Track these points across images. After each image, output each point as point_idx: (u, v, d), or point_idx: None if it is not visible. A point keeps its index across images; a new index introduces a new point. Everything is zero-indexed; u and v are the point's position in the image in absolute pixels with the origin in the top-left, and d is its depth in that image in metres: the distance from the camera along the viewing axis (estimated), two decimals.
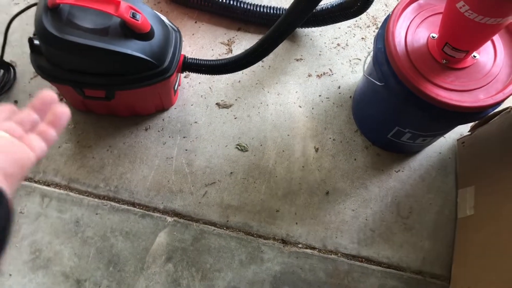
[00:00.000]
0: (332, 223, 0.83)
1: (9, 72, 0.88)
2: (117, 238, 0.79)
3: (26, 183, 0.83)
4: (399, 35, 0.68)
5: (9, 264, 0.77)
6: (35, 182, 0.83)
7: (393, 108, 0.75)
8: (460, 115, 0.67)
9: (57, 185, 0.83)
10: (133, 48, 0.67)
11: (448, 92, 0.65)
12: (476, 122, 0.83)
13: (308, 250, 0.81)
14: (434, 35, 0.68)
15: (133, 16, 0.64)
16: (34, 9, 0.71)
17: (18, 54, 0.92)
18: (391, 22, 0.67)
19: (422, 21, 0.69)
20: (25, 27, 0.94)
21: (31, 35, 0.71)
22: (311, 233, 0.82)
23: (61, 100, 0.88)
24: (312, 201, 0.84)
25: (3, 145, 0.39)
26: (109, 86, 0.72)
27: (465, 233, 0.80)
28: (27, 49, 0.89)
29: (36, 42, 0.68)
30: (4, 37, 0.79)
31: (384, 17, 0.99)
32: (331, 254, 0.81)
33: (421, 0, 0.71)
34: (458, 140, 0.89)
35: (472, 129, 0.86)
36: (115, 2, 0.63)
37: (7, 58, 0.88)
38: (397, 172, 0.87)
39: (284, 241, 0.81)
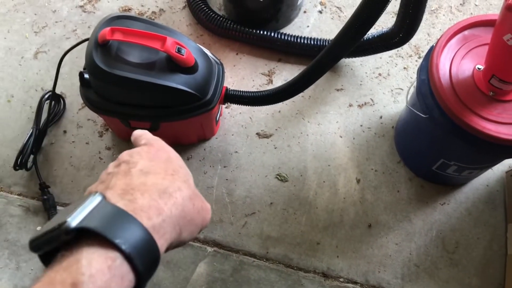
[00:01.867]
0: (374, 257, 0.81)
1: (59, 103, 0.91)
2: (158, 267, 0.80)
3: None
4: (444, 67, 0.67)
5: None
6: None
7: (437, 140, 0.73)
8: (508, 148, 0.64)
9: None
10: (178, 82, 0.69)
11: (495, 125, 0.63)
12: None
13: (350, 285, 0.79)
14: (480, 66, 0.66)
15: (179, 51, 0.66)
16: (84, 44, 0.74)
17: (68, 86, 0.96)
18: (435, 53, 0.66)
19: (467, 52, 0.68)
20: (75, 60, 0.98)
21: (81, 69, 0.74)
22: (352, 267, 0.80)
23: (106, 130, 0.91)
24: (354, 234, 0.82)
25: (195, 210, 0.37)
26: (154, 118, 0.74)
27: None
28: (76, 81, 0.94)
29: (86, 76, 0.71)
30: (56, 71, 0.82)
31: (427, 46, 0.98)
32: None
33: (466, 31, 0.70)
34: (506, 172, 0.86)
35: None
36: (161, 38, 0.65)
37: (58, 90, 0.92)
38: (442, 205, 0.84)
39: (325, 275, 0.80)
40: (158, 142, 0.42)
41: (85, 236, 0.30)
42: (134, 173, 0.35)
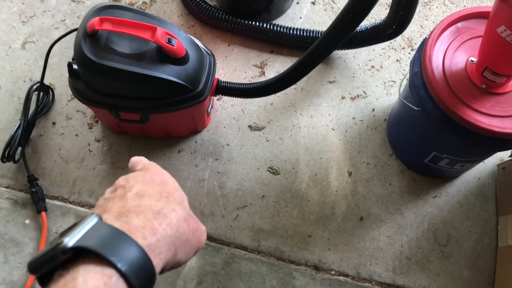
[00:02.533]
0: (366, 249, 0.81)
1: (48, 94, 0.90)
2: None
3: (62, 203, 0.84)
4: (437, 59, 0.66)
5: None
6: (70, 203, 0.85)
7: (430, 133, 0.73)
8: (500, 141, 0.64)
9: (91, 206, 0.84)
10: (168, 73, 0.68)
11: (488, 117, 0.63)
12: None
13: (341, 277, 0.79)
14: (473, 59, 0.66)
15: (169, 42, 0.65)
16: (73, 34, 0.73)
17: (57, 77, 0.94)
18: (428, 46, 0.66)
19: (460, 44, 0.68)
20: (64, 50, 0.96)
21: (70, 59, 0.73)
22: (344, 260, 0.80)
23: (96, 122, 0.90)
24: (346, 227, 0.82)
25: (190, 231, 0.38)
26: (144, 110, 0.73)
27: (506, 263, 0.77)
28: (65, 72, 0.92)
29: (75, 67, 0.70)
30: (45, 61, 0.81)
31: (420, 39, 0.97)
32: (365, 282, 0.79)
33: (459, 23, 0.69)
34: (498, 165, 0.86)
35: None
36: (151, 28, 0.64)
37: (46, 81, 0.90)
38: (434, 197, 0.84)
39: (316, 267, 0.80)
40: (154, 167, 0.43)
41: (82, 255, 0.30)
42: (129, 196, 0.37)
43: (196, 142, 0.89)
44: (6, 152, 0.82)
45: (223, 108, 0.92)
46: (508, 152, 0.85)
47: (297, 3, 1.02)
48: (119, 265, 0.30)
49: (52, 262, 0.31)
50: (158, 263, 0.33)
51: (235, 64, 0.96)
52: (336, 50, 0.96)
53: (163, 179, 0.41)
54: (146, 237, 0.33)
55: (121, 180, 0.40)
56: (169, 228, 0.35)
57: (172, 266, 0.37)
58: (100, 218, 0.34)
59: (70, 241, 0.30)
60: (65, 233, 0.32)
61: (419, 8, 1.01)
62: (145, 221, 0.34)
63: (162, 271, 0.35)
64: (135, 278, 0.30)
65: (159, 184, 0.39)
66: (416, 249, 0.81)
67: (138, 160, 0.45)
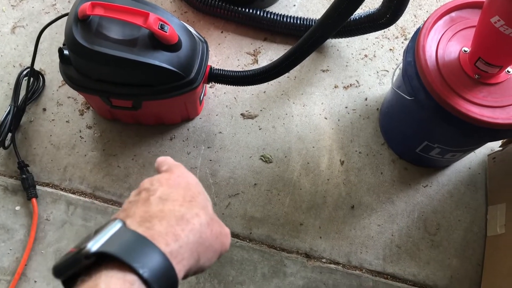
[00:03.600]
0: (357, 238, 0.81)
1: (38, 80, 0.89)
2: None
3: (53, 190, 0.84)
4: (430, 49, 0.66)
5: (34, 270, 0.78)
6: (61, 189, 0.84)
7: (422, 122, 0.73)
8: (492, 131, 0.65)
9: (82, 193, 0.84)
10: (161, 59, 0.67)
11: (480, 108, 0.63)
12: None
13: (332, 265, 0.80)
14: (466, 49, 0.66)
15: (161, 28, 0.65)
16: (64, 19, 0.72)
17: (47, 62, 0.93)
18: (422, 35, 0.66)
19: (454, 34, 0.68)
20: (55, 36, 0.95)
21: (61, 45, 0.72)
22: (335, 248, 0.81)
23: (88, 108, 0.89)
24: (337, 215, 0.83)
25: (213, 236, 0.37)
26: (136, 97, 0.73)
27: (495, 252, 0.78)
28: (56, 58, 0.91)
29: (66, 52, 0.69)
30: (35, 46, 0.80)
31: (413, 28, 0.97)
32: (355, 270, 0.79)
33: (453, 13, 0.69)
34: (488, 155, 0.87)
35: (504, 145, 0.83)
36: (144, 13, 0.63)
37: (36, 66, 0.89)
38: (424, 187, 0.85)
39: (307, 255, 0.80)
40: (179, 169, 0.42)
41: (105, 261, 0.31)
42: (152, 200, 0.36)
43: (188, 129, 0.88)
44: None
45: (215, 96, 0.91)
46: (498, 143, 0.85)
47: None
48: (141, 271, 0.30)
49: (75, 267, 0.31)
50: (180, 270, 0.33)
51: (228, 52, 0.95)
52: (330, 39, 0.96)
53: (187, 181, 0.40)
54: (169, 244, 0.33)
55: (146, 183, 0.39)
56: (192, 234, 0.35)
57: (195, 271, 0.37)
58: (124, 223, 0.34)
59: (94, 246, 0.31)
60: (88, 238, 0.32)
61: None
62: (167, 227, 0.34)
63: (185, 277, 0.35)
64: (157, 284, 0.30)
65: (183, 188, 0.39)
66: (406, 238, 0.82)
67: (163, 160, 0.45)
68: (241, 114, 0.90)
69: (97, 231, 0.33)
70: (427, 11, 1.00)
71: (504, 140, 0.83)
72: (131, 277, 0.30)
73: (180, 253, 0.33)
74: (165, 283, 0.31)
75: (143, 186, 0.39)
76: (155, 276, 0.30)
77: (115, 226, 0.33)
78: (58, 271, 0.32)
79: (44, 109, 0.89)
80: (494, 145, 0.87)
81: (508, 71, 0.65)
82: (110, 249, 0.30)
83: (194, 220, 0.35)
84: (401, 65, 0.73)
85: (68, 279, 0.32)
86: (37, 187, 0.83)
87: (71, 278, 0.32)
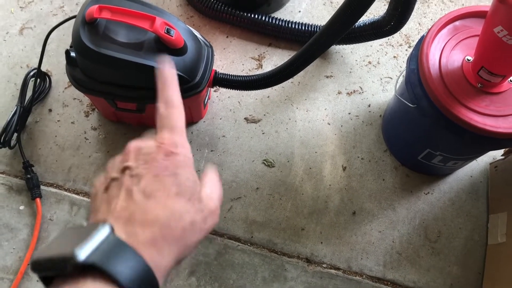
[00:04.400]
0: (358, 244, 0.82)
1: (45, 81, 0.90)
2: None
3: (57, 190, 0.84)
4: (433, 57, 0.67)
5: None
6: (65, 190, 0.85)
7: (424, 130, 0.74)
8: (494, 140, 0.65)
9: (86, 194, 0.85)
10: None
11: (482, 116, 0.63)
12: None
13: (333, 271, 0.80)
14: (470, 58, 0.66)
15: (168, 32, 0.65)
16: (71, 21, 0.73)
17: (54, 63, 0.94)
18: (426, 43, 0.66)
19: (457, 43, 0.68)
20: (62, 37, 0.96)
21: (68, 47, 0.73)
22: (336, 253, 0.81)
23: (93, 110, 0.90)
24: (338, 221, 0.83)
25: (196, 231, 0.37)
26: (141, 99, 0.73)
27: (496, 261, 0.78)
28: (62, 59, 0.92)
29: (73, 54, 0.70)
30: (42, 48, 0.81)
31: (417, 36, 0.98)
32: (356, 276, 0.80)
33: (457, 22, 0.70)
34: (490, 164, 0.87)
35: (506, 154, 0.84)
36: (150, 18, 0.64)
37: (43, 67, 0.90)
38: (426, 194, 0.85)
39: (308, 260, 0.81)
40: (172, 134, 0.39)
41: (90, 268, 0.30)
42: (135, 195, 0.35)
43: (192, 132, 0.89)
44: (2, 138, 0.82)
45: (220, 100, 0.92)
46: (500, 151, 0.86)
47: None
48: (124, 284, 0.30)
49: (59, 270, 0.30)
50: (161, 276, 0.33)
51: (233, 56, 0.96)
52: (334, 45, 0.96)
53: (176, 164, 0.37)
54: (153, 258, 0.33)
55: (131, 154, 0.37)
56: (174, 244, 0.34)
57: (176, 264, 0.37)
58: (112, 228, 0.33)
59: (82, 254, 0.30)
60: (77, 241, 0.31)
61: (417, 5, 1.01)
62: (151, 238, 0.33)
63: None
64: None
65: (170, 174, 0.37)
66: (407, 245, 0.82)
67: (165, 86, 0.41)
68: (245, 118, 0.90)
69: (85, 235, 0.32)
70: (431, 20, 1.00)
71: (506, 149, 0.83)
72: None
73: (162, 265, 0.33)
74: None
75: (127, 159, 0.37)
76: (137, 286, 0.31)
77: (103, 232, 0.32)
78: (38, 268, 0.31)
79: (50, 110, 0.90)
80: (496, 154, 0.87)
81: (511, 80, 0.65)
82: (97, 259, 0.30)
83: (178, 227, 0.35)
84: (404, 72, 0.74)
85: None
86: (42, 187, 0.84)
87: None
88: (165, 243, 0.34)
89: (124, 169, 0.37)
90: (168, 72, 0.42)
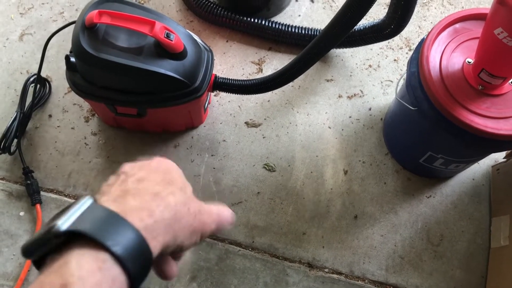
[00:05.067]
0: (360, 248, 0.81)
1: (45, 87, 0.90)
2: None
3: (57, 196, 0.84)
4: (434, 60, 0.67)
5: (37, 276, 0.78)
6: (65, 195, 0.84)
7: (425, 133, 0.74)
8: (495, 142, 0.64)
9: None
10: (166, 68, 0.68)
11: (483, 119, 0.63)
12: None
13: (335, 275, 0.79)
14: (470, 60, 0.66)
15: (167, 36, 0.65)
16: (71, 27, 0.73)
17: (54, 69, 0.94)
18: (426, 46, 0.66)
19: (457, 45, 0.68)
20: (62, 43, 0.96)
21: (68, 52, 0.73)
22: (338, 258, 0.81)
23: (93, 115, 0.90)
24: (340, 225, 0.83)
25: (191, 214, 0.37)
26: (141, 104, 0.73)
27: (498, 264, 0.77)
28: (62, 65, 0.92)
29: (73, 59, 0.70)
30: (42, 53, 0.81)
31: (418, 39, 0.98)
32: (358, 280, 0.79)
33: (457, 24, 0.69)
34: (492, 166, 0.86)
35: (508, 156, 0.83)
36: (150, 22, 0.64)
37: (43, 73, 0.90)
38: (428, 197, 0.85)
39: (310, 265, 0.80)
40: (161, 158, 0.42)
41: (76, 239, 0.30)
42: (129, 181, 0.36)
43: (192, 137, 0.89)
44: (2, 144, 0.82)
45: (220, 104, 0.92)
46: (502, 154, 0.85)
47: (296, 0, 1.02)
48: (113, 249, 0.29)
49: (46, 246, 0.30)
50: (155, 246, 0.33)
51: (233, 61, 0.96)
52: (334, 49, 0.96)
53: (167, 167, 0.40)
54: (143, 219, 0.32)
55: (126, 167, 0.39)
56: (167, 211, 0.34)
57: (174, 250, 0.36)
58: (95, 200, 0.33)
59: (64, 224, 0.30)
60: (58, 215, 0.31)
61: (417, 8, 1.01)
62: (142, 202, 0.34)
63: (162, 254, 0.35)
64: (131, 262, 0.30)
65: (162, 172, 0.39)
66: (409, 248, 0.81)
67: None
68: (245, 123, 0.90)
69: (66, 208, 0.32)
70: (431, 22, 1.00)
71: (508, 152, 0.83)
72: (103, 255, 0.29)
73: (154, 229, 0.33)
74: (139, 259, 0.31)
75: (123, 169, 0.39)
76: (128, 253, 0.30)
77: (86, 203, 0.32)
78: (28, 251, 0.31)
79: (50, 116, 0.90)
80: (498, 156, 0.87)
81: (511, 82, 0.65)
82: (80, 227, 0.30)
83: (169, 198, 0.35)
84: (405, 75, 0.73)
85: (39, 258, 0.31)
86: (42, 193, 0.84)
87: (42, 257, 0.31)
88: (157, 208, 0.34)
89: (119, 175, 0.38)
90: None
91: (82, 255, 0.29)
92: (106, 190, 0.36)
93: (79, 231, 0.30)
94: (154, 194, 0.35)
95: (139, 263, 0.31)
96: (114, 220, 0.31)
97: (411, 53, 0.90)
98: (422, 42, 0.68)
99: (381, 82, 0.94)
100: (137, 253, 0.31)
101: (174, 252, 0.37)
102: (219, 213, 0.42)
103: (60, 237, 0.30)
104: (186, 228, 0.36)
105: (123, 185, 0.36)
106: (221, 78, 0.80)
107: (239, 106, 0.92)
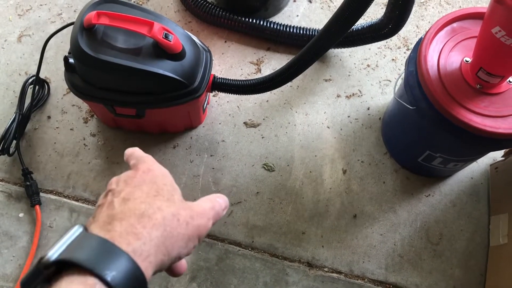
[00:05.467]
0: (359, 247, 0.81)
1: (43, 88, 0.90)
2: None
3: (56, 197, 0.84)
4: (432, 59, 0.67)
5: None
6: (65, 197, 0.84)
7: (424, 132, 0.74)
8: (493, 141, 0.65)
9: (85, 201, 0.84)
10: (165, 68, 0.68)
11: (481, 117, 0.63)
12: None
13: (334, 274, 0.79)
14: (468, 59, 0.66)
15: (166, 37, 0.65)
16: (70, 28, 0.73)
17: (52, 70, 0.94)
18: (424, 45, 0.66)
19: (455, 44, 0.68)
20: (60, 44, 0.96)
21: (66, 53, 0.73)
22: (337, 257, 0.81)
23: (92, 116, 0.90)
24: (339, 224, 0.83)
25: (181, 224, 0.37)
26: (140, 105, 0.73)
27: (498, 263, 0.78)
28: (61, 66, 0.92)
29: (71, 60, 0.70)
30: (41, 55, 0.81)
31: (415, 38, 0.98)
32: (357, 279, 0.79)
33: (455, 23, 0.70)
34: (491, 165, 0.87)
35: (506, 155, 0.84)
36: (148, 23, 0.64)
37: (42, 74, 0.90)
38: (427, 196, 0.85)
39: (309, 264, 0.80)
40: (146, 163, 0.42)
41: (67, 268, 0.30)
42: (115, 203, 0.36)
43: (191, 138, 0.89)
44: (1, 145, 0.82)
45: (218, 105, 0.92)
46: (501, 152, 0.85)
47: (294, 1, 1.02)
48: (102, 273, 0.29)
49: (38, 278, 0.31)
50: (147, 267, 0.33)
51: (231, 61, 0.96)
52: (332, 49, 0.96)
53: (153, 175, 0.40)
54: (131, 243, 0.32)
55: (112, 183, 0.39)
56: (155, 229, 0.34)
57: (172, 262, 0.36)
58: (85, 228, 0.34)
59: (53, 255, 0.30)
60: (51, 246, 0.32)
61: (415, 8, 1.01)
62: (128, 226, 0.34)
63: (156, 271, 0.35)
64: (121, 285, 0.30)
65: (148, 183, 0.39)
66: (408, 247, 0.81)
67: (131, 153, 0.45)
68: (244, 123, 0.90)
69: (59, 238, 0.33)
70: (429, 22, 1.00)
71: (507, 150, 0.83)
72: (92, 280, 0.29)
73: (144, 250, 0.33)
74: (131, 281, 0.31)
75: (109, 187, 0.39)
76: (118, 276, 0.30)
77: (76, 232, 0.33)
78: (25, 284, 0.31)
79: (49, 117, 0.90)
80: (497, 155, 0.87)
81: (509, 81, 0.65)
82: (69, 255, 0.30)
83: (156, 215, 0.35)
84: (403, 75, 0.74)
85: None
86: (41, 194, 0.84)
87: None
88: (143, 229, 0.34)
89: (107, 193, 0.38)
90: (128, 149, 0.46)
91: (71, 282, 0.29)
92: (96, 214, 0.36)
93: (68, 259, 0.30)
94: (140, 215, 0.35)
95: (131, 285, 0.31)
96: (102, 246, 0.31)
97: (409, 52, 0.90)
98: (420, 42, 0.68)
99: (379, 82, 0.94)
100: (127, 276, 0.31)
101: (173, 263, 0.37)
102: (213, 206, 0.42)
103: (51, 267, 0.30)
104: (180, 239, 0.36)
105: (110, 208, 0.36)
106: (219, 78, 0.80)
107: (238, 107, 0.92)
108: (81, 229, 0.33)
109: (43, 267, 0.30)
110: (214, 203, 0.42)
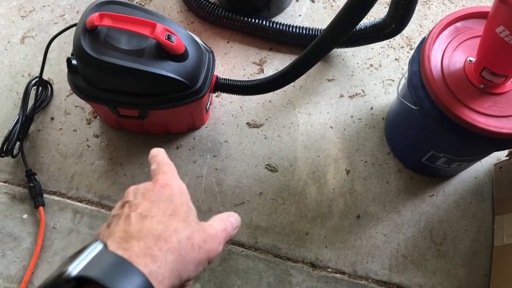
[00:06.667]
0: (363, 247, 0.81)
1: (46, 89, 0.90)
2: None
3: (60, 198, 0.84)
4: (435, 59, 0.67)
5: (40, 278, 0.78)
6: (68, 198, 0.85)
7: (428, 132, 0.73)
8: (497, 141, 0.64)
9: (89, 202, 0.84)
10: (167, 69, 0.68)
11: (485, 117, 0.63)
12: None
13: (338, 275, 0.79)
14: (472, 59, 0.66)
15: (168, 38, 0.65)
16: (72, 29, 0.73)
17: (56, 72, 0.94)
18: (427, 45, 0.66)
19: (459, 44, 0.68)
20: (63, 46, 0.96)
21: (69, 54, 0.73)
22: (341, 258, 0.81)
23: (95, 117, 0.90)
24: (343, 225, 0.83)
25: (195, 249, 0.37)
26: (143, 106, 0.73)
27: (502, 263, 0.77)
28: (64, 67, 0.92)
29: (74, 62, 0.70)
30: (44, 56, 0.81)
31: (419, 37, 0.98)
32: (361, 280, 0.79)
33: (458, 23, 0.69)
34: (495, 165, 0.86)
35: (510, 155, 0.83)
36: (151, 24, 0.64)
37: (45, 76, 0.90)
38: (430, 196, 0.85)
39: (313, 265, 0.80)
40: (165, 177, 0.42)
41: (86, 284, 0.31)
42: (133, 218, 0.37)
43: (194, 138, 0.89)
44: (5, 147, 0.82)
45: (221, 105, 0.92)
46: (505, 152, 0.85)
47: (297, 1, 1.02)
48: None
49: None
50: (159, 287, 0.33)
51: (234, 61, 0.96)
52: (335, 48, 0.96)
53: (171, 192, 0.40)
54: (147, 265, 0.33)
55: (130, 194, 0.40)
56: (170, 253, 0.35)
57: (181, 285, 0.37)
58: (105, 244, 0.34)
59: (75, 270, 0.31)
60: (70, 260, 0.32)
61: (418, 7, 1.01)
62: (145, 248, 0.34)
63: None
64: None
65: (165, 200, 0.39)
66: (412, 248, 0.81)
67: (155, 156, 0.45)
68: (247, 123, 0.90)
69: (79, 252, 0.33)
70: (432, 21, 1.00)
71: (511, 150, 0.83)
72: None
73: (159, 274, 0.33)
74: None
75: (127, 198, 0.39)
76: None
77: (96, 248, 0.33)
78: None
79: (52, 118, 0.90)
80: (501, 155, 0.86)
81: None
82: (90, 273, 0.31)
83: (172, 239, 0.35)
84: (406, 74, 0.73)
85: None
86: (44, 195, 0.84)
87: None
88: (160, 252, 0.34)
89: (124, 204, 0.39)
90: (153, 149, 0.46)
91: None
92: (111, 225, 0.37)
93: (88, 277, 0.30)
94: (157, 236, 0.35)
95: None
96: (122, 266, 0.32)
97: (412, 52, 0.90)
98: (423, 41, 0.68)
99: (383, 82, 0.94)
100: None
101: (183, 286, 0.37)
102: (225, 227, 0.42)
103: (71, 282, 0.30)
104: (191, 263, 0.36)
105: (127, 223, 0.36)
106: (222, 79, 0.80)
107: (241, 107, 0.92)
108: (101, 246, 0.33)
109: (64, 282, 0.30)
110: (226, 224, 0.42)
